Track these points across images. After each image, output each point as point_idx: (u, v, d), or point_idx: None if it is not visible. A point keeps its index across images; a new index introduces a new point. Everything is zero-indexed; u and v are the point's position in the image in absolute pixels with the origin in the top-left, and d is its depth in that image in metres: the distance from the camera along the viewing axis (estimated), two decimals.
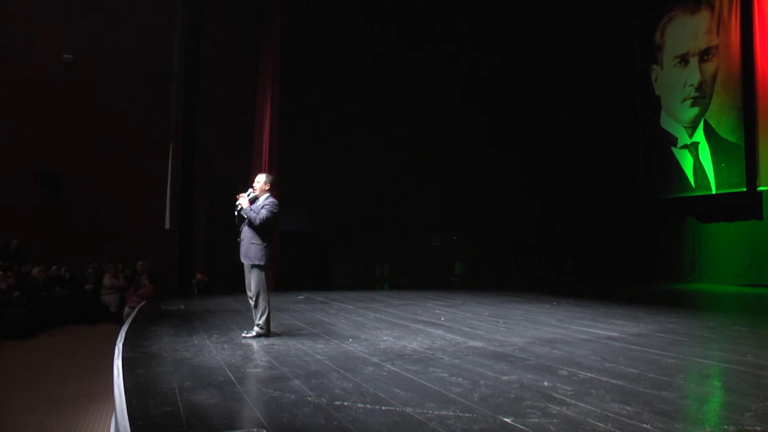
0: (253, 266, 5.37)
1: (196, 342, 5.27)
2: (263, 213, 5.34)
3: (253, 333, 5.45)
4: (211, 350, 4.84)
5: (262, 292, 5.38)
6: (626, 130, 13.08)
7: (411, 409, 3.03)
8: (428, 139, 13.94)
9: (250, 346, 5.07)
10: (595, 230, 13.36)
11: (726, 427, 2.86)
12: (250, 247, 5.35)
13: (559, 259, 13.97)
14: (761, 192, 10.42)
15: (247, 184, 5.64)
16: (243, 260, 5.39)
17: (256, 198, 5.52)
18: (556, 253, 13.92)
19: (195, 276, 11.51)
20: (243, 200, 5.42)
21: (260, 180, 5.57)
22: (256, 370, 4.09)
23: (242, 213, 5.40)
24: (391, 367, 4.11)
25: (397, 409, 3.06)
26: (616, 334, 5.58)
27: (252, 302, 5.44)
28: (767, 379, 3.91)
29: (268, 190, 5.59)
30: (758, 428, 2.81)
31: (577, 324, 6.32)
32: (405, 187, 13.95)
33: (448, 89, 13.91)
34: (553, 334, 5.59)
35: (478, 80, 13.84)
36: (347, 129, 13.29)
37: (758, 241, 10.70)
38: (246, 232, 5.40)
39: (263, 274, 5.41)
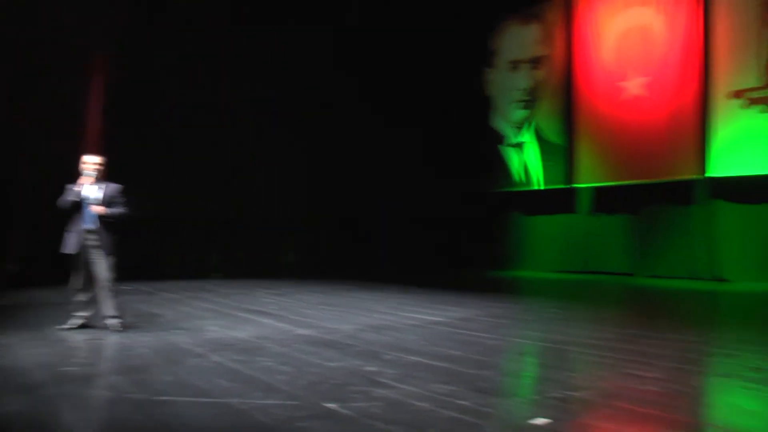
0: (109, 255, 5.14)
1: (3, 342, 4.73)
2: (123, 207, 5.24)
3: (115, 323, 5.10)
4: (21, 350, 4.37)
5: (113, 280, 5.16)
6: (460, 127, 13.58)
7: (235, 400, 2.93)
8: (260, 128, 13.54)
9: (66, 343, 4.66)
10: (428, 217, 13.70)
11: (534, 397, 3.15)
12: (107, 237, 5.12)
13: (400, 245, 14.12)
14: (576, 189, 11.42)
15: (73, 168, 5.18)
16: (103, 251, 5.11)
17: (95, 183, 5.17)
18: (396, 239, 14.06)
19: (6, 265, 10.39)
20: (88, 190, 5.13)
21: (96, 162, 5.23)
22: (73, 369, 3.73)
23: (92, 205, 5.09)
24: (217, 358, 3.95)
25: (221, 400, 2.94)
26: (443, 319, 5.78)
27: (102, 291, 5.14)
28: (571, 353, 4.31)
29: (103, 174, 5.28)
30: (558, 395, 3.09)
31: (406, 310, 6.46)
32: (237, 175, 13.42)
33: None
34: (382, 321, 5.68)
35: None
36: (184, 114, 12.57)
37: (572, 232, 11.72)
38: (99, 223, 5.12)
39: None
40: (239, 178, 13.36)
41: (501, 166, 12.86)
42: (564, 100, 11.74)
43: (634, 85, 10.44)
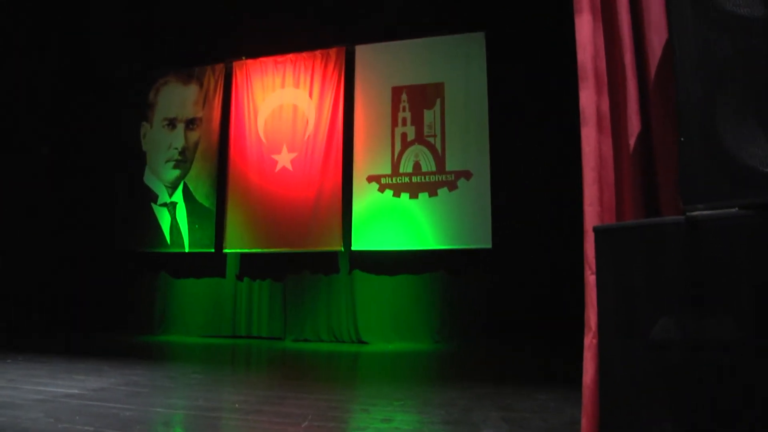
0: None
1: None
2: None
3: None
4: None
5: None
6: (109, 180, 12.81)
7: None
8: None
9: None
10: (65, 279, 12.49)
11: None
12: None
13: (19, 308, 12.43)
14: (225, 254, 11.53)
15: None
16: None
17: None
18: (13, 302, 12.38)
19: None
20: None
21: None
22: None
23: None
24: None
25: None
26: (76, 391, 5.22)
27: None
28: (215, 419, 4.22)
29: None
30: None
31: (33, 383, 5.67)
32: None
33: None
34: None
35: None
36: None
37: (220, 296, 11.72)
38: None
39: None
40: None
41: (151, 226, 12.33)
42: (217, 165, 11.89)
43: (285, 160, 11.11)
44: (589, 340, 2.52)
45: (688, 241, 1.94)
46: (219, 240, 11.57)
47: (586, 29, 3.07)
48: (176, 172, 12.44)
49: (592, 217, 2.69)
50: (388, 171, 10.48)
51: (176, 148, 12.53)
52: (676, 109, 2.36)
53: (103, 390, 5.32)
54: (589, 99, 2.96)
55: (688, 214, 1.99)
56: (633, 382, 2.03)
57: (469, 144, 10.16)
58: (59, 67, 12.81)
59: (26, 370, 6.59)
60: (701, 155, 2.06)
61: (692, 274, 1.91)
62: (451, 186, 10.10)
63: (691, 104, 2.14)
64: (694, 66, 2.14)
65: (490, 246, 9.65)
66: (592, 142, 2.90)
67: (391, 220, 10.30)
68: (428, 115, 10.49)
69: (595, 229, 2.37)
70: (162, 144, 12.71)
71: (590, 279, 2.55)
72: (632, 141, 2.85)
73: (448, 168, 10.19)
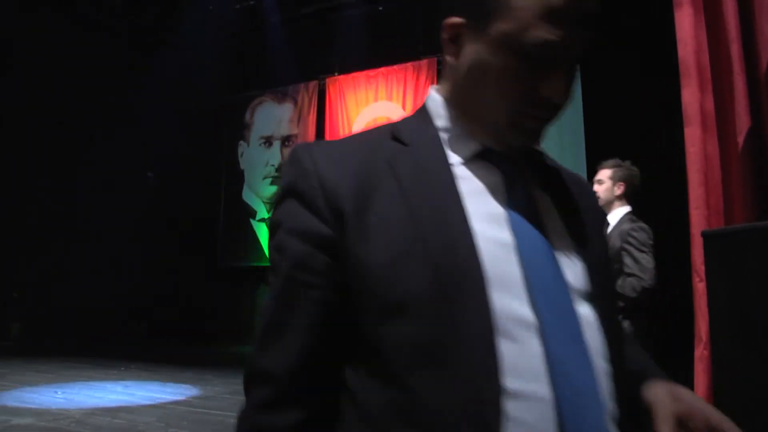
0: None
1: None
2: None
3: None
4: None
5: None
6: (210, 197, 13.38)
7: None
8: None
9: None
10: (170, 292, 13.14)
11: None
12: None
13: (135, 320, 13.19)
14: None
15: None
16: None
17: None
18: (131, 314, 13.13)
19: None
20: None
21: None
22: None
23: None
24: None
25: None
26: (183, 398, 5.46)
27: None
28: None
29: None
30: None
31: (145, 389, 6.00)
32: None
33: None
34: (117, 402, 5.18)
35: None
36: None
37: None
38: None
39: None
40: None
41: (250, 240, 12.79)
42: None
43: None
44: (700, 352, 2.37)
45: None
46: None
47: (686, 23, 2.91)
48: (274, 188, 12.83)
49: (699, 221, 2.53)
50: None
51: (273, 165, 12.94)
52: None
53: (208, 398, 5.53)
54: (693, 97, 2.80)
55: None
56: (753, 399, 1.88)
57: (564, 151, 9.85)
58: (162, 90, 13.51)
59: (138, 378, 6.97)
60: None
61: None
62: None
63: None
64: None
65: None
66: (696, 143, 2.74)
67: None
68: None
69: (704, 234, 2.22)
70: (259, 162, 13.15)
71: (699, 287, 2.40)
72: (741, 139, 2.66)
73: None
